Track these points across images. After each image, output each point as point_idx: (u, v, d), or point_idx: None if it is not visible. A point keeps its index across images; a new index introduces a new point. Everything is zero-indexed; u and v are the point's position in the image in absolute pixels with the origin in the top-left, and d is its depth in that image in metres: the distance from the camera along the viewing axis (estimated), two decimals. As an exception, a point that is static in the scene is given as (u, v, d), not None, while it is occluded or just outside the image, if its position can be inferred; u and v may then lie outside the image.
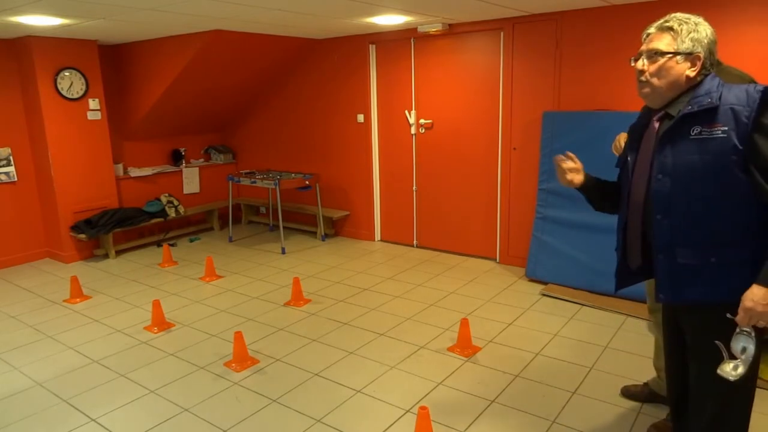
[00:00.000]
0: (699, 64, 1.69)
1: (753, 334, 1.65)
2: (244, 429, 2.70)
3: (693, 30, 1.69)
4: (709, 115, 1.64)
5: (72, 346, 3.68)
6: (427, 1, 3.98)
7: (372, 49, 5.73)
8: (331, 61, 6.01)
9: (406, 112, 5.63)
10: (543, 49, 4.66)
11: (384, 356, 3.42)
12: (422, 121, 5.56)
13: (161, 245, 6.06)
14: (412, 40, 5.45)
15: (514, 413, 2.78)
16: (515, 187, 5.04)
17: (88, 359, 3.48)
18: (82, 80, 5.49)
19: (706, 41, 1.69)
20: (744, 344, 1.65)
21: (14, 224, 5.56)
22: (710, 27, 1.72)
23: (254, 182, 5.90)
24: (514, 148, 4.98)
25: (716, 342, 1.68)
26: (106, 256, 5.75)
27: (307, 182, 5.95)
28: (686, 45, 1.69)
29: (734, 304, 1.64)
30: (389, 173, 5.95)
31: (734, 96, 1.62)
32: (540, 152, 4.67)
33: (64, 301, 4.52)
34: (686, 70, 1.70)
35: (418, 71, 5.49)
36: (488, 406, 2.86)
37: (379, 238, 6.19)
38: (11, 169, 5.47)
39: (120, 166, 6.11)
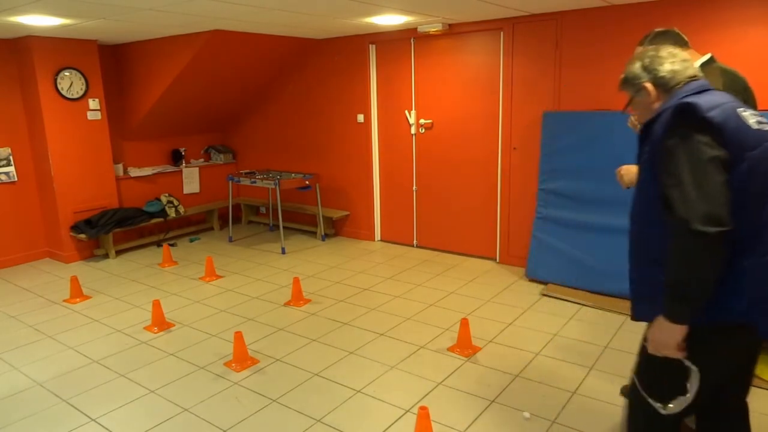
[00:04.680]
0: (650, 91, 1.67)
1: (686, 365, 1.60)
2: (244, 429, 2.70)
3: (629, 70, 1.72)
4: (646, 136, 1.65)
5: (72, 346, 3.69)
6: (427, 1, 3.98)
7: (372, 49, 5.73)
8: (331, 61, 6.01)
9: (406, 112, 5.63)
10: (543, 49, 4.66)
11: (384, 356, 3.42)
12: (422, 121, 5.56)
13: (161, 245, 6.06)
14: (412, 40, 5.45)
15: (514, 413, 2.78)
16: (515, 187, 5.04)
17: (88, 359, 3.48)
18: (82, 80, 5.49)
19: (640, 71, 1.68)
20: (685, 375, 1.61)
21: (14, 224, 5.56)
22: (647, 52, 1.70)
23: (254, 182, 5.89)
24: (514, 148, 4.98)
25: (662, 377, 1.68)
26: (106, 256, 5.75)
27: (307, 182, 5.95)
28: (632, 83, 1.71)
29: None
30: (389, 173, 5.95)
31: (664, 114, 1.59)
32: (540, 152, 4.67)
33: (64, 301, 4.52)
34: (650, 102, 1.69)
35: (418, 71, 5.49)
36: (488, 406, 2.86)
37: (379, 238, 6.19)
38: (11, 169, 5.47)
39: (120, 166, 6.11)
